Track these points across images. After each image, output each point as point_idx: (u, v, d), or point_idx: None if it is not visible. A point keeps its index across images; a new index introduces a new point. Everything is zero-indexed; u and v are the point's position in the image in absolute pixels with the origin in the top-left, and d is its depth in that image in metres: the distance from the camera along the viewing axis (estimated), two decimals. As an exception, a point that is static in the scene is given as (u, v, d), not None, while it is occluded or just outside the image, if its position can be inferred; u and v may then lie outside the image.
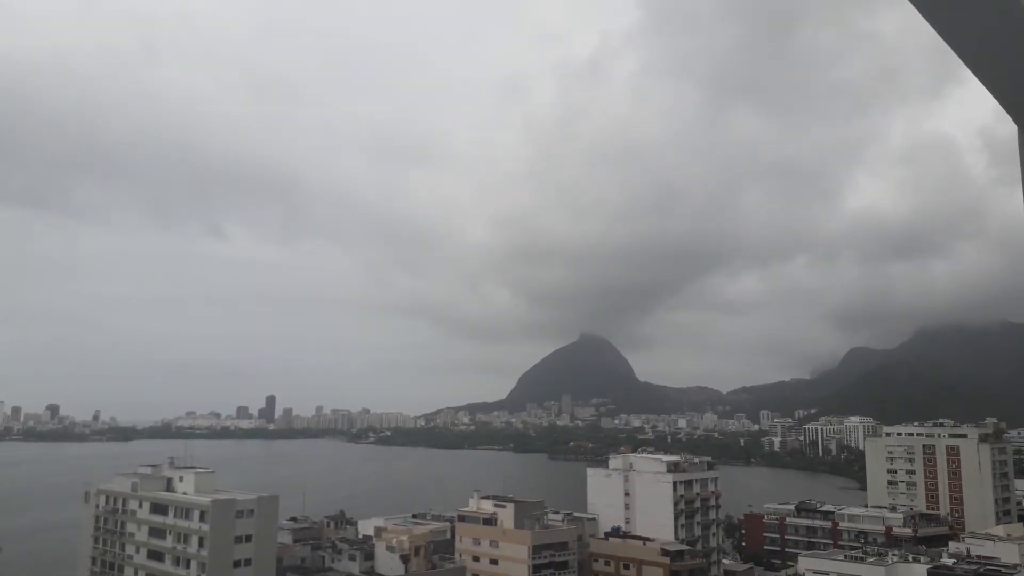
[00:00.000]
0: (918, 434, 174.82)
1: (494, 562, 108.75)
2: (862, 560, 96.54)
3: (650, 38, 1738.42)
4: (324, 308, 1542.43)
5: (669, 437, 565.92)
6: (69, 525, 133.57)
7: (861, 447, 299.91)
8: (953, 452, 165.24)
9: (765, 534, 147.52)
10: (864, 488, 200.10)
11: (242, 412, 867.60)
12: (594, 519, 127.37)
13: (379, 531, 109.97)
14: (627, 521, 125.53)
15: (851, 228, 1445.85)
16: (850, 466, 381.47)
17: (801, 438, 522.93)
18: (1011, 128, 5.87)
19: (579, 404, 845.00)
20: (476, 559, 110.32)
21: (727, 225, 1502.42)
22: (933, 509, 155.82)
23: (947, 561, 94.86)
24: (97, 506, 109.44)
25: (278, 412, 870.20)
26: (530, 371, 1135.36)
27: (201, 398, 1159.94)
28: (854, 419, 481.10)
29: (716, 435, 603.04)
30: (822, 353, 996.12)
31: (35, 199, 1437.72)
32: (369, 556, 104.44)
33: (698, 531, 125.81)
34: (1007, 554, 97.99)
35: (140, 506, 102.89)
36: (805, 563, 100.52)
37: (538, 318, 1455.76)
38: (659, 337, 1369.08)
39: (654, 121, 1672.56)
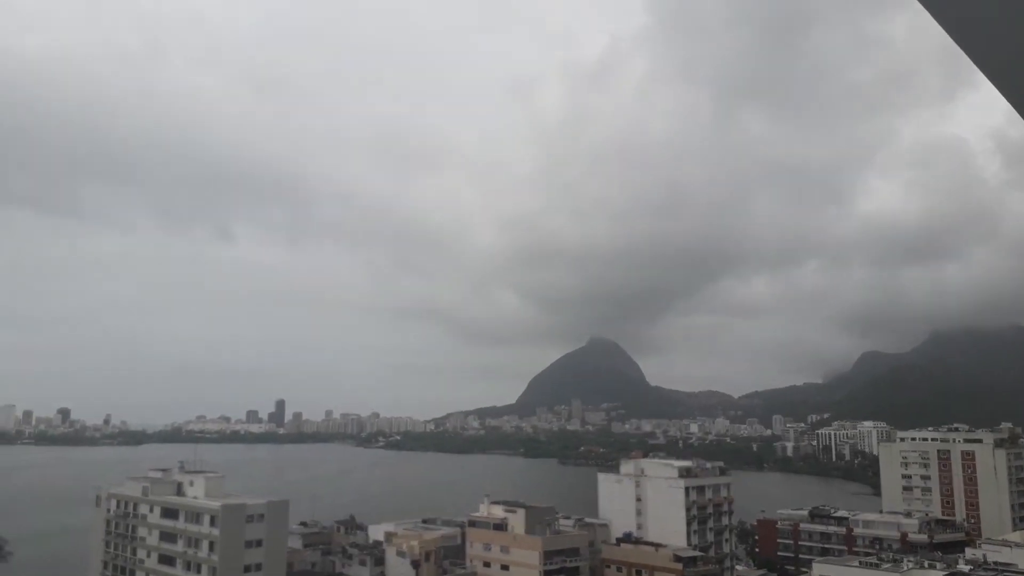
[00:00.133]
0: (933, 439, 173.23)
1: (505, 568, 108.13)
2: (877, 566, 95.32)
3: (658, 41, 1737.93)
4: (332, 310, 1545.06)
5: (680, 442, 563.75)
6: (80, 529, 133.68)
7: (875, 452, 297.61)
8: (968, 457, 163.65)
9: (778, 540, 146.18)
10: (878, 494, 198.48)
11: (252, 416, 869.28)
12: (606, 525, 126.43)
13: (389, 536, 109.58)
14: (639, 527, 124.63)
15: (863, 231, 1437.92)
16: (864, 471, 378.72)
17: (814, 443, 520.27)
18: None
19: (589, 408, 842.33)
20: (487, 565, 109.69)
21: (737, 228, 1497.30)
22: (949, 515, 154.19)
23: (964, 568, 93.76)
24: (108, 510, 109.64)
25: (288, 416, 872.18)
26: (540, 375, 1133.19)
27: (211, 402, 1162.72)
28: (867, 424, 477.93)
29: (728, 440, 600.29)
30: (834, 357, 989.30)
31: (42, 201, 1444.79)
32: (379, 561, 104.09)
33: (711, 537, 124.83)
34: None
35: (151, 510, 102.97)
36: (819, 569, 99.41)
37: (547, 321, 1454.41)
38: (669, 341, 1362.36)
39: (663, 124, 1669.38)
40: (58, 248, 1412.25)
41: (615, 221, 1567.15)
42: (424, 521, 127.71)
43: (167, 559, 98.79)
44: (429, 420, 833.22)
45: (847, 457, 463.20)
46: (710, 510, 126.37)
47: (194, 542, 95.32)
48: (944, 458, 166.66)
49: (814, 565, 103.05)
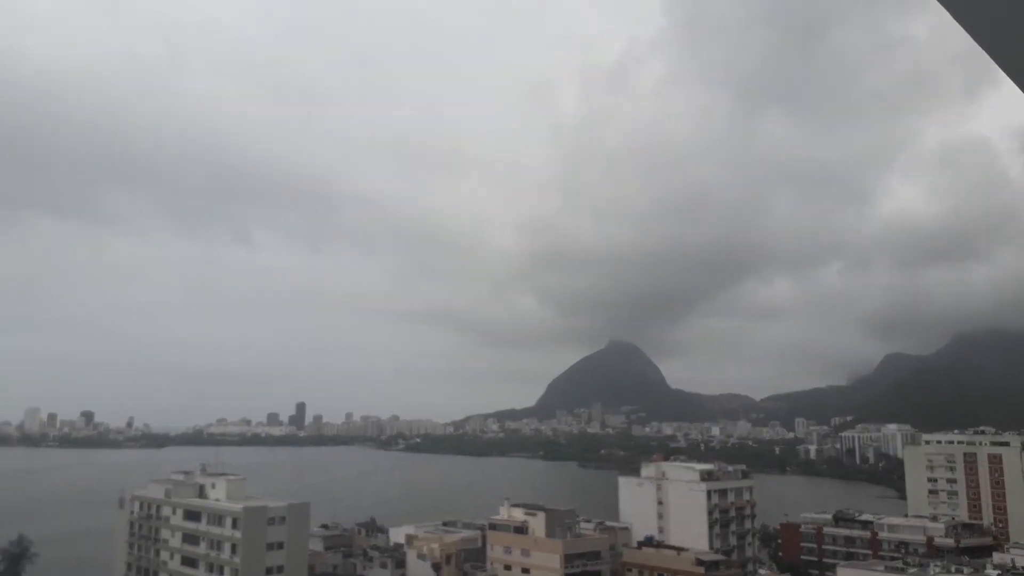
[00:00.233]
0: (959, 442, 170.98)
1: (526, 571, 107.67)
2: (903, 571, 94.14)
3: (676, 43, 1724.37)
4: (352, 314, 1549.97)
5: (702, 445, 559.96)
6: (104, 531, 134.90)
7: (899, 455, 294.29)
8: (996, 460, 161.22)
9: (802, 544, 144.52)
10: (903, 497, 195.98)
11: (272, 419, 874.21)
12: (627, 528, 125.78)
13: (410, 539, 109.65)
14: (660, 530, 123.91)
15: (885, 233, 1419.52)
16: (888, 475, 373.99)
17: (837, 446, 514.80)
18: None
19: (609, 411, 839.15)
20: (508, 568, 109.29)
21: (758, 231, 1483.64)
22: (976, 519, 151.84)
23: (991, 572, 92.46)
24: (132, 512, 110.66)
25: (308, 419, 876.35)
26: (559, 378, 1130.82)
27: (232, 405, 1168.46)
28: (892, 427, 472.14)
29: (750, 443, 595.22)
30: (857, 359, 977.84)
31: (64, 207, 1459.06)
32: (400, 564, 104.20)
33: (733, 541, 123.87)
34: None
35: (173, 512, 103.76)
36: (844, 574, 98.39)
37: (566, 324, 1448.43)
38: (690, 344, 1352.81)
39: (682, 126, 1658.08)
40: (81, 253, 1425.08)
41: (634, 223, 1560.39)
42: (444, 524, 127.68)
43: (190, 561, 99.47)
44: (448, 423, 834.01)
45: (871, 460, 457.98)
46: (732, 513, 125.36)
47: (216, 544, 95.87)
48: (970, 461, 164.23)
49: (839, 569, 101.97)
